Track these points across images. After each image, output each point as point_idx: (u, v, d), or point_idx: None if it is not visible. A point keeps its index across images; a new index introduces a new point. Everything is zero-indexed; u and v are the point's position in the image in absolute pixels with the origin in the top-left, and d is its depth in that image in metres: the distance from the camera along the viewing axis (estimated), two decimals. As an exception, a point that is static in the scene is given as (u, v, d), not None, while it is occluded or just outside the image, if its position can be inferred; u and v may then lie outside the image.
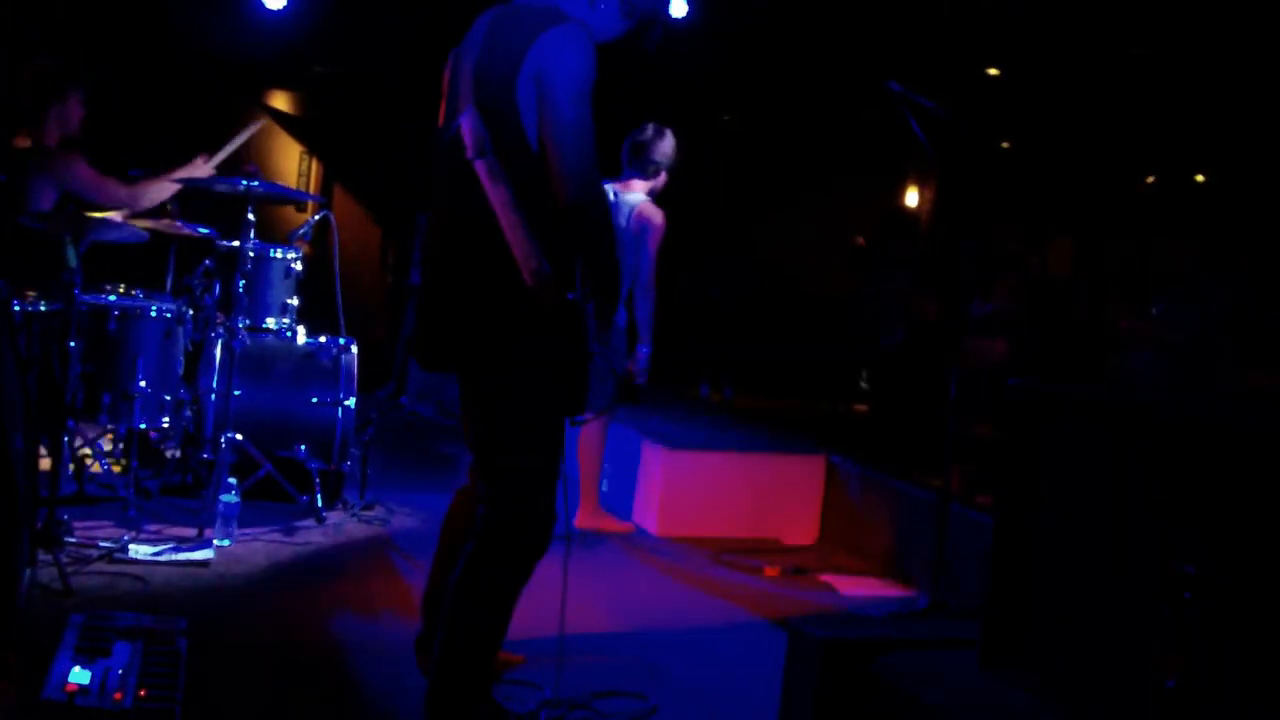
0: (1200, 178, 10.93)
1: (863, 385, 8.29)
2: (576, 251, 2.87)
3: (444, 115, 3.09)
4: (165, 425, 5.40)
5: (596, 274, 2.89)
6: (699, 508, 5.88)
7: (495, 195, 2.86)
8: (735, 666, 4.03)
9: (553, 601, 3.25)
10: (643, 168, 5.55)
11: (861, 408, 8.14)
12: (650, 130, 5.56)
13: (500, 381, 2.97)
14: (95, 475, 5.39)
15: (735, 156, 11.83)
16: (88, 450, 5.40)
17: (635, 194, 5.52)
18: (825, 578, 5.27)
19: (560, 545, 3.10)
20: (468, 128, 2.91)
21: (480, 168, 2.88)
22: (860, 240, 9.83)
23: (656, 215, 5.46)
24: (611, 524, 5.80)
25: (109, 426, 5.37)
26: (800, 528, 5.99)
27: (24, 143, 5.15)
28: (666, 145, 5.55)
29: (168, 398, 5.32)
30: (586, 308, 2.88)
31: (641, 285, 5.38)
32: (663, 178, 5.59)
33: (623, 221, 5.35)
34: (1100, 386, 3.04)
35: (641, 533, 5.88)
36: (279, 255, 5.74)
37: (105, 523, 4.90)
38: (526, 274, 2.84)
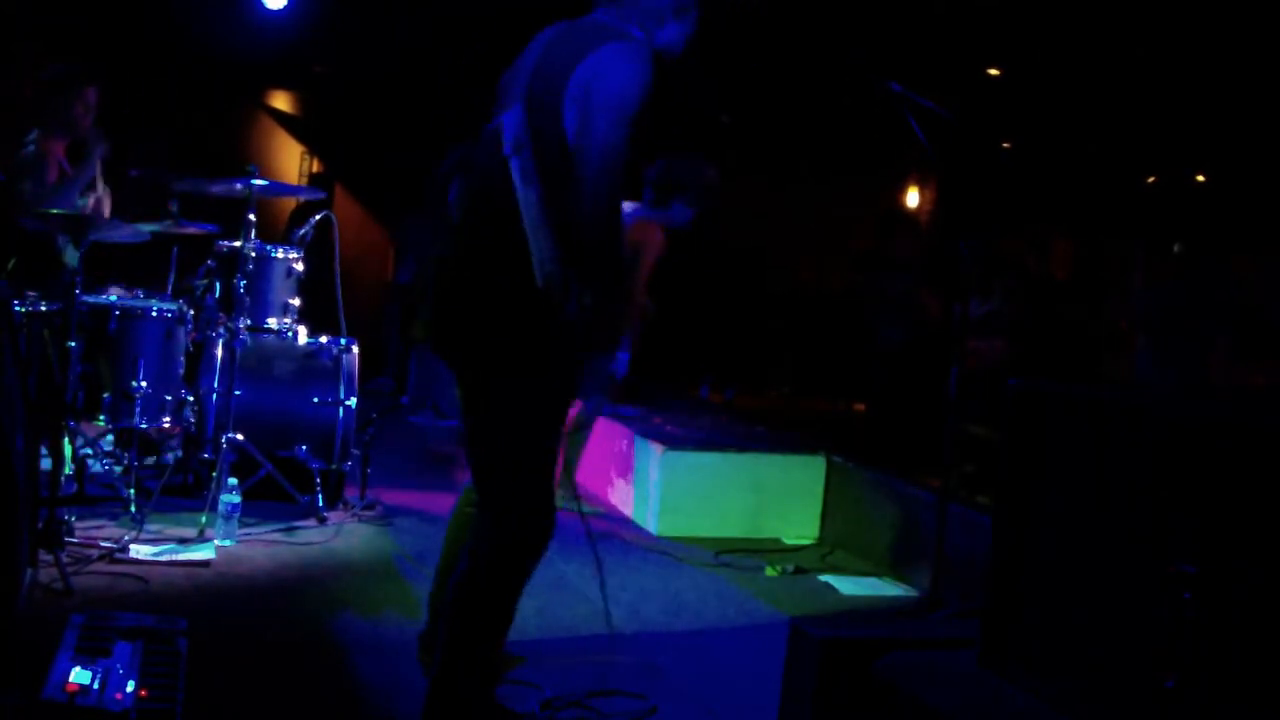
0: (1200, 177, 10.92)
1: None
2: (580, 266, 2.85)
3: (491, 114, 3.09)
4: (166, 425, 5.40)
5: (593, 292, 2.85)
6: (699, 507, 5.89)
7: (523, 194, 2.86)
8: (735, 666, 4.03)
9: (554, 603, 3.25)
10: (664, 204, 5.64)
11: (861, 407, 8.14)
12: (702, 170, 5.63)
13: (496, 381, 2.97)
14: (95, 475, 5.39)
15: (735, 156, 11.82)
16: (88, 450, 5.40)
17: (643, 210, 5.61)
18: (825, 578, 5.27)
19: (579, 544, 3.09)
20: (510, 123, 2.91)
21: (514, 165, 2.88)
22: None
23: (655, 233, 5.51)
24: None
25: (109, 426, 5.37)
26: (800, 528, 6.00)
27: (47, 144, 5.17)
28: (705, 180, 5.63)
29: (168, 398, 5.32)
30: (580, 321, 2.86)
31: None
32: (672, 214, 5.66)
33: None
34: (1100, 386, 3.04)
35: (640, 531, 5.91)
36: (280, 255, 5.74)
37: (105, 523, 4.90)
38: (540, 275, 2.83)
